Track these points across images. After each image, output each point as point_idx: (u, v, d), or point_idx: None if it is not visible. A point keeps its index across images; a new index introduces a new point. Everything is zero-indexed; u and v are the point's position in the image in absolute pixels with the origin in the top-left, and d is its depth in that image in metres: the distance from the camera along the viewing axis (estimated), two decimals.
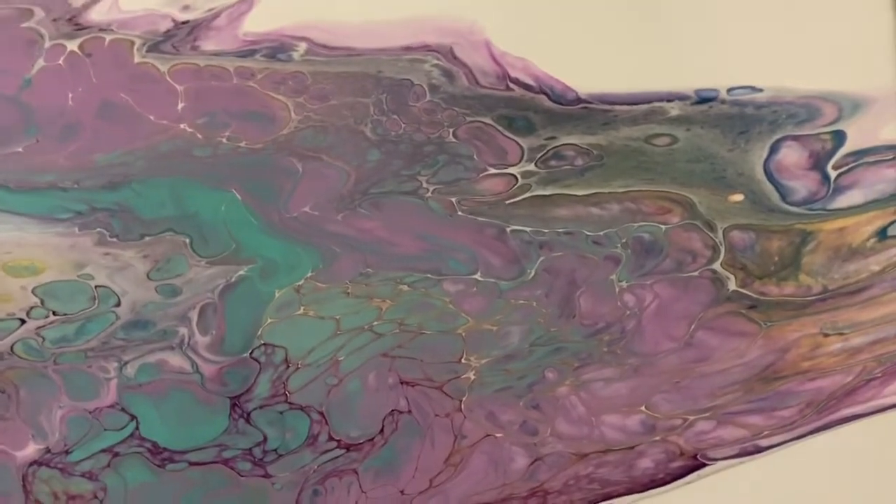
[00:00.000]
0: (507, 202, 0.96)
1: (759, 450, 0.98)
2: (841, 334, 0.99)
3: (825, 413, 0.99)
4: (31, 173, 0.90)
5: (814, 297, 0.99)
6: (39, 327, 0.90)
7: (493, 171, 0.95)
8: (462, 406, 0.96)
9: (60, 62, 0.90)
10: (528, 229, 0.96)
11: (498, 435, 0.96)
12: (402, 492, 0.95)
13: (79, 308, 0.91)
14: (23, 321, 0.90)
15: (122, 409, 0.91)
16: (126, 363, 0.91)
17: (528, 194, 0.96)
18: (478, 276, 0.96)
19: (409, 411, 0.95)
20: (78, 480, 0.91)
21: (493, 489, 0.96)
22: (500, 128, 0.95)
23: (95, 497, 0.91)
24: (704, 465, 0.98)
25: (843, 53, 0.99)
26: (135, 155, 0.91)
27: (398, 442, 0.95)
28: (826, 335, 0.99)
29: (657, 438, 0.97)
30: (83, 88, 0.90)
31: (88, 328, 0.91)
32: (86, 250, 0.90)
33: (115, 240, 0.91)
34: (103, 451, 0.91)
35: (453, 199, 0.95)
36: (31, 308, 0.90)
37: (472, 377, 0.96)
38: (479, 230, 0.95)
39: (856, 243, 0.99)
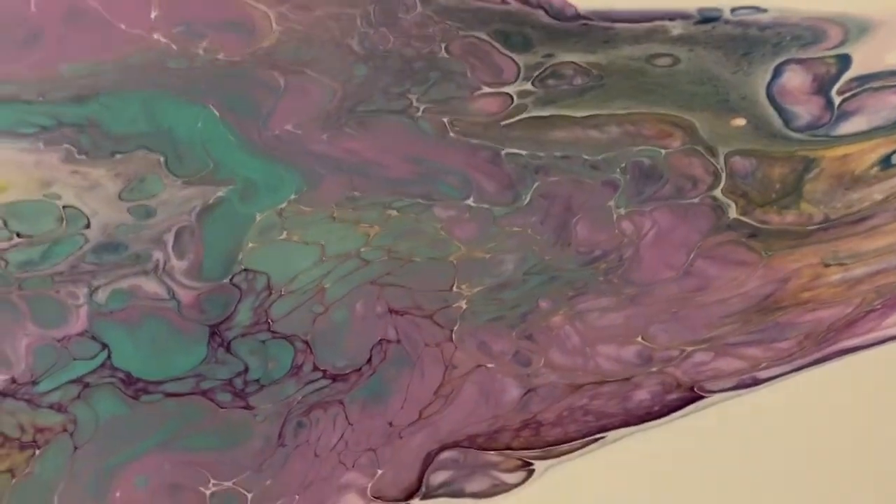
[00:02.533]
0: (503, 123, 0.80)
1: (757, 382, 0.84)
2: (842, 265, 0.85)
3: (824, 345, 0.85)
4: None
5: (815, 227, 0.84)
6: (3, 250, 0.74)
7: (487, 89, 0.79)
8: (453, 336, 0.80)
9: None
10: (523, 153, 0.80)
11: (490, 365, 0.81)
12: (390, 423, 0.80)
13: (45, 229, 0.74)
14: None
15: (93, 338, 0.75)
16: (97, 288, 0.75)
17: (524, 115, 0.80)
18: (470, 202, 0.80)
19: (398, 341, 0.80)
20: (46, 412, 0.75)
21: (485, 421, 0.81)
22: (495, 44, 0.79)
23: (65, 430, 0.76)
24: (701, 397, 0.83)
25: None
26: (104, 66, 0.74)
27: (386, 372, 0.80)
28: (827, 265, 0.84)
29: (654, 370, 0.83)
30: None
31: (56, 251, 0.75)
32: (52, 168, 0.74)
33: (83, 157, 0.74)
34: (73, 381, 0.75)
35: (445, 120, 0.79)
36: None
37: (464, 306, 0.80)
38: (473, 153, 0.80)
39: (859, 171, 0.84)
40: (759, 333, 0.84)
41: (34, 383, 0.75)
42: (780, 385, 0.84)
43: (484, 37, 0.79)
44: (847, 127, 0.84)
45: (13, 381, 0.74)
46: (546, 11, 0.79)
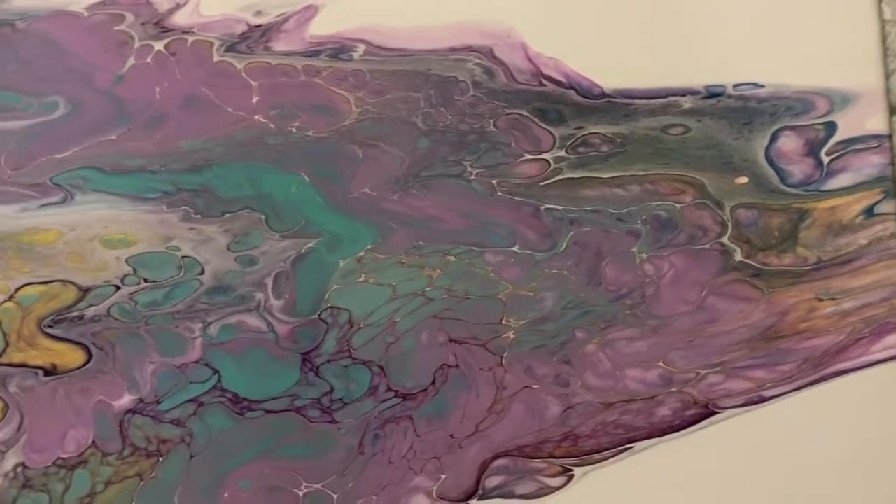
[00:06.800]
0: (541, 184, 0.71)
1: (763, 400, 0.72)
2: (833, 299, 0.74)
3: (820, 368, 0.73)
4: (123, 158, 0.66)
5: (810, 267, 0.73)
6: (132, 293, 0.67)
7: (528, 156, 0.71)
8: (503, 361, 0.71)
9: (148, 60, 0.67)
10: (559, 207, 0.71)
11: (534, 386, 0.71)
12: (451, 436, 0.71)
13: (167, 276, 0.67)
14: (118, 287, 0.67)
15: (206, 364, 0.67)
16: (209, 324, 0.67)
17: (559, 177, 0.71)
18: (516, 249, 0.71)
19: (457, 366, 0.70)
20: (168, 427, 0.67)
21: (531, 433, 0.71)
22: (534, 119, 0.71)
23: (183, 441, 0.68)
24: (715, 413, 0.72)
25: (834, 54, 0.74)
26: (215, 142, 0.67)
27: (447, 392, 0.70)
28: (820, 300, 0.74)
29: (674, 390, 0.72)
30: (169, 83, 0.67)
31: (176, 293, 0.67)
32: (173, 225, 0.67)
33: (198, 216, 0.67)
34: (190, 401, 0.67)
35: (494, 182, 0.71)
36: (125, 276, 0.66)
37: (512, 336, 0.71)
38: (517, 208, 0.71)
39: (846, 220, 0.74)
40: (763, 358, 0.73)
41: (158, 402, 0.67)
42: (784, 402, 0.73)
43: (525, 113, 0.71)
44: (835, 183, 0.73)
45: (141, 400, 0.67)
46: (576, 91, 0.71)
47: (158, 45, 0.67)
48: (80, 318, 0.66)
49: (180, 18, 0.67)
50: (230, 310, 0.67)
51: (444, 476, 0.69)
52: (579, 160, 0.71)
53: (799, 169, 0.73)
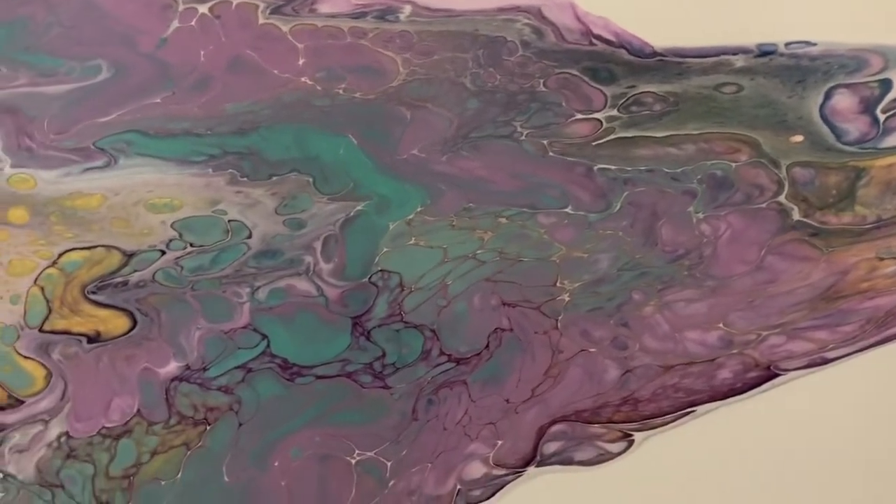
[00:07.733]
0: (594, 144, 0.65)
1: (826, 361, 0.66)
2: (895, 258, 0.68)
3: (884, 328, 0.67)
4: (168, 121, 0.61)
5: (869, 226, 0.67)
6: (178, 257, 0.61)
7: (579, 116, 0.65)
8: (558, 324, 0.64)
9: (193, 23, 0.61)
10: (612, 167, 0.65)
11: (591, 350, 0.65)
12: (507, 400, 0.64)
13: (214, 240, 0.61)
14: (163, 252, 0.61)
15: (255, 330, 0.61)
16: (257, 288, 0.61)
17: (612, 136, 0.65)
18: (569, 210, 0.65)
19: (511, 329, 0.64)
20: (215, 394, 0.61)
21: (589, 398, 0.65)
22: (585, 78, 0.65)
23: (231, 409, 0.62)
24: (777, 375, 0.66)
25: (887, 11, 0.68)
26: (261, 105, 0.62)
27: (502, 356, 0.64)
28: (881, 259, 0.67)
29: (734, 352, 0.66)
30: (214, 46, 0.62)
31: (223, 257, 0.61)
32: (219, 189, 0.62)
33: (245, 179, 0.62)
34: (238, 367, 0.61)
35: (545, 142, 0.64)
36: (171, 240, 0.61)
37: (567, 299, 0.64)
38: (569, 168, 0.65)
39: None
40: (825, 319, 0.66)
41: (205, 369, 0.61)
42: (847, 363, 0.67)
43: (575, 73, 0.65)
44: (892, 140, 0.67)
45: (187, 367, 0.61)
46: (627, 50, 0.65)
47: (203, 9, 0.61)
48: (125, 283, 0.60)
49: None
50: (279, 274, 0.62)
51: (500, 442, 0.63)
52: (632, 119, 0.65)
53: (854, 127, 0.67)
